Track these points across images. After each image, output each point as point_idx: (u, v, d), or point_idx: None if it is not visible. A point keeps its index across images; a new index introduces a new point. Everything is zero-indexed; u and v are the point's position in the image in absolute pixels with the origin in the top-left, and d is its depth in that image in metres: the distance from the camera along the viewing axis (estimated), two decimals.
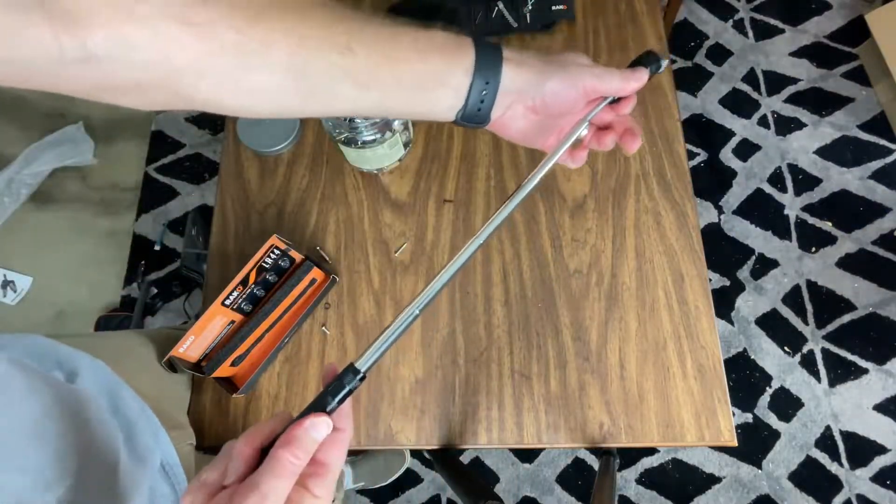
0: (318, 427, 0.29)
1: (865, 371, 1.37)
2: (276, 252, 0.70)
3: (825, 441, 1.33)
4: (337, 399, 0.31)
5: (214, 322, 0.68)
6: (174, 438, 0.58)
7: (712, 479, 1.32)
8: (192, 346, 0.67)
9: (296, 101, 0.34)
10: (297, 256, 0.72)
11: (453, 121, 0.39)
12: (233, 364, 0.69)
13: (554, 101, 0.40)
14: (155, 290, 1.54)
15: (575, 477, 1.34)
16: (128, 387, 0.55)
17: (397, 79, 0.35)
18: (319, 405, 0.31)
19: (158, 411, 0.57)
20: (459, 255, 0.36)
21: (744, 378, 1.39)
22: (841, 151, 1.56)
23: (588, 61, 0.41)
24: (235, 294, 0.69)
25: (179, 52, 0.29)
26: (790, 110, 1.61)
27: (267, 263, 0.70)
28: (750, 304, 1.45)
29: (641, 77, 0.42)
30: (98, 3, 0.26)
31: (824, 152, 1.56)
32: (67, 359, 0.52)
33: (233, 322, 0.70)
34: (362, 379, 0.32)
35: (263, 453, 0.29)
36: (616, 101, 0.44)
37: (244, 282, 0.69)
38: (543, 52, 0.41)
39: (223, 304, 0.68)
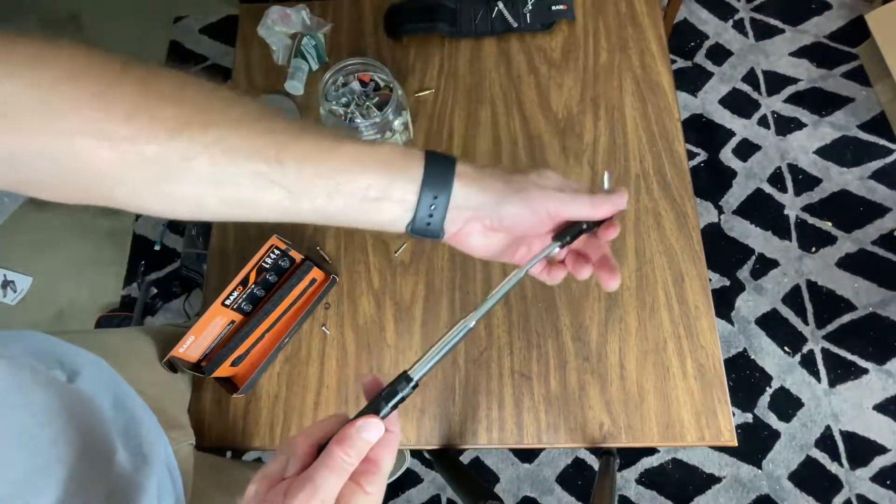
0: (370, 428, 0.31)
1: (865, 371, 1.37)
2: (276, 252, 0.70)
3: (825, 441, 1.33)
4: (390, 405, 0.33)
5: (214, 322, 0.68)
6: (174, 439, 0.58)
7: (712, 479, 1.32)
8: (192, 346, 0.67)
9: (221, 209, 0.34)
10: (297, 256, 0.72)
11: (405, 232, 0.37)
12: (233, 364, 0.69)
13: (513, 223, 0.38)
14: (155, 290, 1.54)
15: (575, 477, 1.34)
16: (128, 386, 0.55)
17: (333, 190, 0.34)
18: (373, 409, 0.33)
19: (159, 410, 0.57)
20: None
21: (744, 378, 1.39)
22: (841, 151, 1.56)
23: (555, 181, 0.38)
24: (235, 294, 0.69)
25: (96, 163, 0.29)
26: (790, 110, 1.61)
27: (267, 263, 0.70)
28: (750, 304, 1.44)
29: (617, 202, 0.38)
30: (23, 115, 0.28)
31: (824, 152, 1.56)
32: (68, 357, 0.52)
33: (233, 322, 0.70)
34: (415, 387, 0.34)
35: (320, 450, 0.31)
36: (596, 225, 0.40)
37: (244, 282, 0.69)
38: (506, 169, 0.39)
39: (223, 304, 0.68)
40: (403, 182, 0.35)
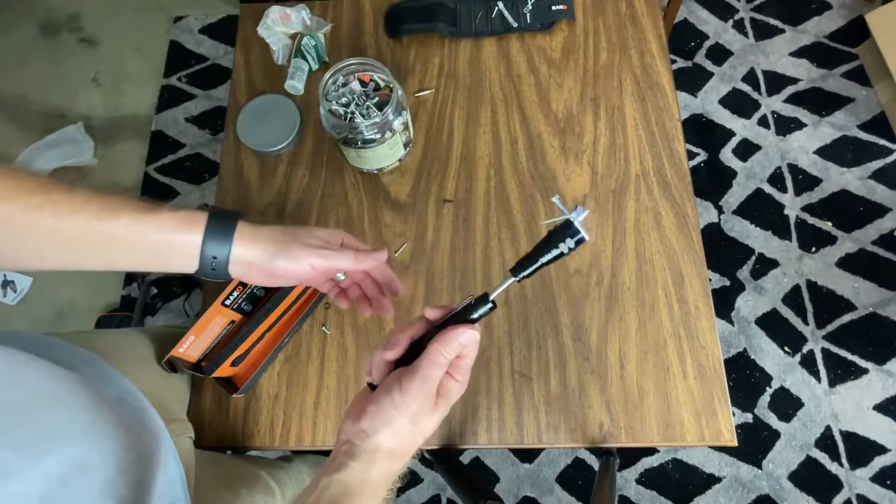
0: (466, 334, 0.40)
1: (865, 371, 1.37)
2: None
3: (825, 441, 1.33)
4: (478, 313, 0.41)
5: (214, 322, 0.68)
6: (173, 431, 0.57)
7: (712, 479, 1.32)
8: (192, 346, 0.67)
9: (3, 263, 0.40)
10: None
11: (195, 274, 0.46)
12: (233, 364, 0.69)
13: (285, 274, 0.47)
14: (155, 290, 1.54)
15: (575, 477, 1.34)
16: (128, 381, 0.55)
17: (112, 251, 0.42)
18: (462, 317, 0.41)
19: (160, 406, 0.57)
20: None
21: (744, 378, 1.39)
22: (841, 151, 1.56)
23: (321, 239, 0.49)
24: (235, 294, 0.69)
25: None
26: (790, 110, 1.61)
27: None
28: (750, 304, 1.44)
29: (378, 257, 0.51)
30: None
31: (824, 152, 1.56)
32: (65, 355, 0.52)
33: (233, 322, 0.70)
34: (493, 307, 0.42)
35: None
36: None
37: (244, 282, 0.69)
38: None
39: (223, 304, 0.68)
40: (185, 246, 0.44)
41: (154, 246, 0.43)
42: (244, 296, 0.69)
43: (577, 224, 0.38)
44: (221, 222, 0.45)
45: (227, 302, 0.68)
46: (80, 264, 0.42)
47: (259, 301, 0.71)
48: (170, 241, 0.44)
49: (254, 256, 0.46)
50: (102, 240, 0.41)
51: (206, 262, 0.45)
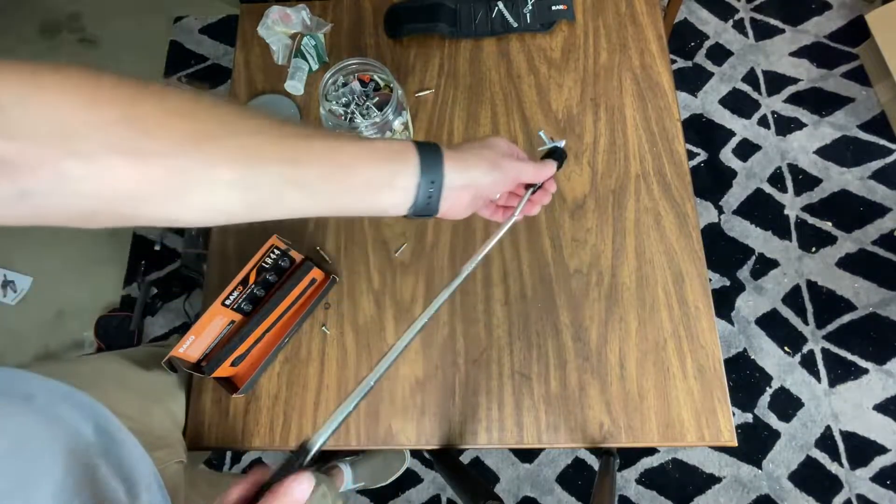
0: (302, 482, 0.30)
1: (865, 371, 1.37)
2: (276, 252, 0.70)
3: (825, 441, 1.33)
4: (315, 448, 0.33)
5: (214, 322, 0.68)
6: (159, 459, 0.57)
7: (712, 479, 1.32)
8: (192, 346, 0.67)
9: (243, 211, 0.35)
10: (297, 256, 0.72)
11: (405, 215, 0.43)
12: (233, 364, 0.69)
13: (493, 190, 0.47)
14: (155, 290, 1.54)
15: (575, 477, 1.34)
16: (106, 410, 0.54)
17: (345, 184, 0.38)
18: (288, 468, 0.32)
19: (142, 432, 0.56)
20: (413, 326, 0.41)
21: (744, 378, 1.39)
22: (841, 151, 1.56)
23: (509, 148, 0.48)
24: (235, 294, 0.69)
25: (122, 181, 0.29)
26: (790, 110, 1.61)
27: (267, 263, 0.70)
28: (750, 304, 1.44)
29: (549, 169, 0.51)
30: (40, 147, 0.27)
31: (824, 152, 1.56)
32: (41, 391, 0.50)
33: (233, 322, 0.70)
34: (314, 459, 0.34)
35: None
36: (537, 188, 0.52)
37: (244, 282, 0.69)
38: (475, 142, 0.48)
39: (223, 304, 0.68)
40: (404, 171, 0.40)
41: (379, 175, 0.40)
42: (244, 296, 0.69)
43: (562, 147, 0.54)
44: (427, 146, 0.42)
45: (227, 302, 0.68)
46: (306, 210, 0.38)
47: (259, 301, 0.71)
48: (392, 169, 0.40)
49: (467, 178, 0.44)
50: (335, 178, 0.38)
51: (423, 191, 0.41)
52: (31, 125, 0.27)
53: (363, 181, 0.39)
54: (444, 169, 0.42)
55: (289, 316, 0.72)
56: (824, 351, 1.39)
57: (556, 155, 0.53)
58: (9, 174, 0.27)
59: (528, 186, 0.52)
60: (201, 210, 0.34)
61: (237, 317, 0.70)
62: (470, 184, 0.44)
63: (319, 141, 0.37)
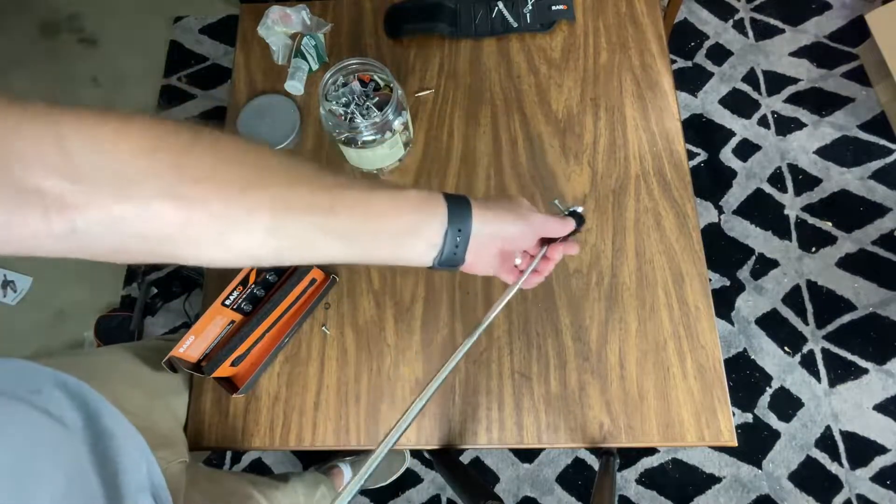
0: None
1: (865, 371, 1.37)
2: None
3: (825, 441, 1.33)
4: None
5: (214, 322, 0.68)
6: (162, 458, 0.57)
7: (712, 479, 1.32)
8: (192, 346, 0.67)
9: (275, 255, 0.37)
10: None
11: (430, 266, 0.44)
12: (233, 364, 0.69)
13: (518, 243, 0.48)
14: (155, 290, 1.54)
15: (575, 477, 1.34)
16: (111, 407, 0.54)
17: (376, 233, 0.40)
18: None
19: (147, 429, 0.56)
20: (436, 379, 0.43)
21: (744, 378, 1.39)
22: (841, 151, 1.56)
23: (529, 204, 0.50)
24: (235, 294, 0.69)
25: (167, 225, 0.31)
26: (790, 110, 1.61)
27: None
28: (750, 304, 1.44)
29: (570, 225, 0.52)
30: (98, 189, 0.29)
31: (824, 152, 1.56)
32: (47, 385, 0.51)
33: (233, 322, 0.70)
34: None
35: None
36: (550, 242, 0.53)
37: (244, 282, 0.69)
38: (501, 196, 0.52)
39: (223, 304, 0.68)
40: (432, 221, 0.42)
41: (409, 224, 0.41)
42: (244, 296, 0.69)
43: (580, 212, 0.54)
44: (455, 198, 0.43)
45: (227, 302, 0.68)
46: (337, 257, 0.40)
47: (259, 301, 0.71)
48: (420, 219, 0.42)
49: (493, 228, 0.45)
50: (366, 229, 0.39)
51: (451, 240, 0.43)
52: (92, 170, 0.29)
53: (394, 231, 0.41)
54: (471, 218, 0.43)
55: (289, 316, 0.72)
56: (824, 351, 1.39)
57: (575, 218, 0.54)
58: (66, 212, 0.28)
59: (546, 243, 0.53)
60: (237, 253, 0.36)
61: (237, 317, 0.70)
62: (497, 233, 0.45)
63: (354, 191, 0.39)
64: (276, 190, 0.35)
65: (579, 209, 0.54)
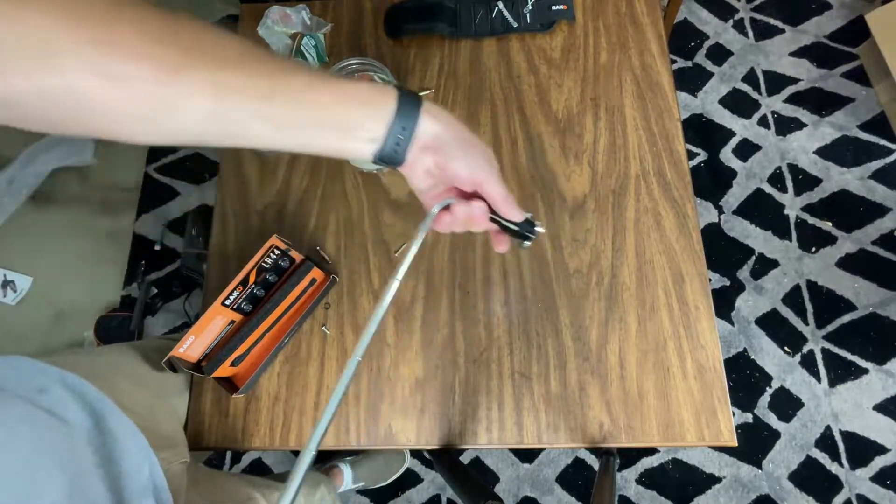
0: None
1: (865, 371, 1.37)
2: (276, 252, 0.70)
3: (825, 441, 1.33)
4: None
5: (214, 322, 0.68)
6: (164, 459, 0.57)
7: (712, 479, 1.32)
8: (192, 346, 0.67)
9: (212, 138, 0.37)
10: (297, 256, 0.72)
11: (372, 160, 0.43)
12: (233, 364, 0.69)
13: (451, 161, 0.44)
14: (155, 290, 1.54)
15: (575, 477, 1.34)
16: (115, 407, 0.54)
17: (314, 123, 0.39)
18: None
19: (149, 429, 0.56)
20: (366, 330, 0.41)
21: (744, 378, 1.39)
22: (841, 151, 1.56)
23: (493, 161, 0.46)
24: (235, 294, 0.69)
25: (97, 102, 0.31)
26: (790, 110, 1.61)
27: (267, 263, 0.70)
28: (750, 304, 1.44)
29: (512, 208, 0.47)
30: (18, 60, 0.28)
31: (824, 152, 1.56)
32: (52, 384, 0.51)
33: (233, 322, 0.70)
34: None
35: None
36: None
37: (244, 282, 0.69)
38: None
39: (223, 304, 0.68)
40: (378, 115, 0.40)
41: (353, 117, 0.40)
42: (244, 296, 0.69)
43: (534, 223, 0.51)
44: (408, 94, 0.42)
45: (227, 302, 0.68)
46: (273, 144, 0.39)
47: (259, 301, 0.71)
48: (367, 114, 0.40)
49: (436, 132, 0.42)
50: (306, 118, 0.38)
51: (392, 137, 0.41)
52: (12, 40, 0.28)
53: (334, 124, 0.39)
54: (419, 116, 0.41)
55: (289, 316, 0.72)
56: (824, 351, 1.39)
57: (523, 224, 0.49)
58: None
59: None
60: (171, 135, 0.35)
61: (237, 317, 0.70)
62: (439, 136, 0.43)
63: (297, 78, 0.37)
64: (212, 70, 0.34)
65: (537, 224, 0.50)
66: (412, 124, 0.41)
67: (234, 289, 0.68)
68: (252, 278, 0.69)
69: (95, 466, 0.47)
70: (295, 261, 0.72)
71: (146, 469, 0.53)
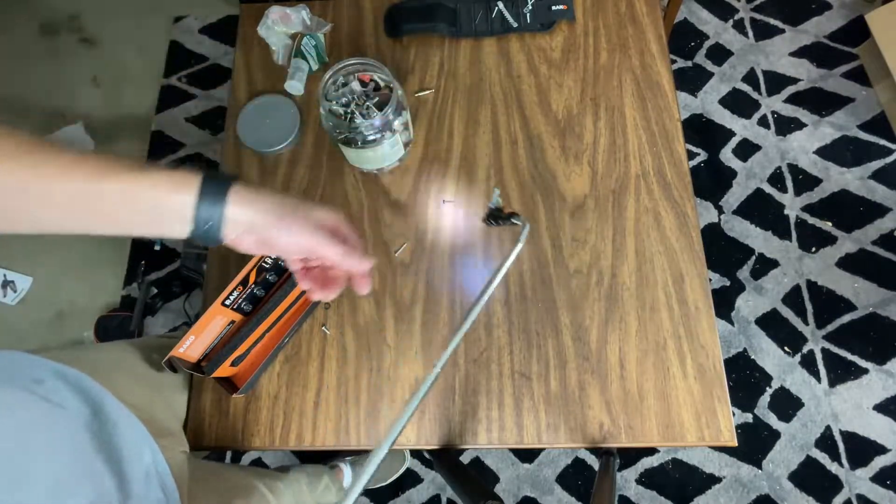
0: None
1: (865, 371, 1.37)
2: None
3: (825, 441, 1.33)
4: None
5: (214, 322, 0.68)
6: (165, 447, 0.57)
7: (712, 479, 1.32)
8: (192, 346, 0.67)
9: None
10: None
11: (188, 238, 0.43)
12: (233, 364, 0.69)
13: (277, 245, 0.44)
14: (155, 290, 1.54)
15: (575, 477, 1.34)
16: (112, 398, 0.54)
17: (109, 225, 0.40)
18: None
19: (148, 420, 0.56)
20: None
21: (744, 378, 1.39)
22: (841, 151, 1.56)
23: (319, 220, 0.45)
24: (235, 294, 0.69)
25: None
26: (790, 110, 1.61)
27: (267, 263, 0.70)
28: (750, 304, 1.44)
29: (364, 265, 0.48)
30: None
31: (824, 152, 1.56)
32: (48, 376, 0.51)
33: (233, 322, 0.70)
34: None
35: None
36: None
37: (244, 282, 0.69)
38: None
39: (223, 304, 0.68)
40: (178, 207, 0.41)
41: (148, 208, 0.40)
42: (244, 296, 0.69)
43: (495, 199, 0.55)
44: (216, 184, 0.42)
45: (227, 302, 0.68)
46: (77, 228, 0.40)
47: (259, 301, 0.71)
48: (163, 202, 0.40)
49: (250, 221, 0.43)
50: (95, 202, 0.39)
51: (199, 224, 0.41)
52: None
53: (126, 222, 0.40)
54: (225, 206, 0.41)
55: (289, 316, 0.72)
56: (824, 351, 1.39)
57: (499, 214, 0.50)
58: None
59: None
60: None
61: (237, 317, 0.70)
62: (254, 229, 0.43)
63: (76, 181, 0.38)
64: None
65: (516, 217, 0.53)
66: (216, 215, 0.41)
67: (234, 289, 0.68)
68: (252, 278, 0.69)
69: (95, 449, 0.47)
70: None
71: (147, 455, 0.53)
